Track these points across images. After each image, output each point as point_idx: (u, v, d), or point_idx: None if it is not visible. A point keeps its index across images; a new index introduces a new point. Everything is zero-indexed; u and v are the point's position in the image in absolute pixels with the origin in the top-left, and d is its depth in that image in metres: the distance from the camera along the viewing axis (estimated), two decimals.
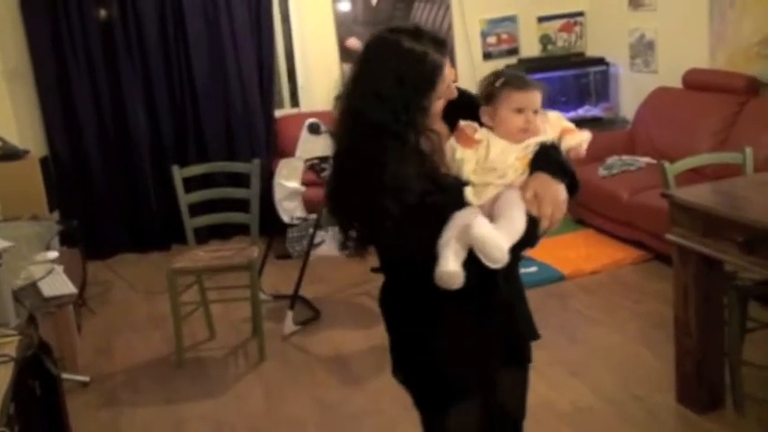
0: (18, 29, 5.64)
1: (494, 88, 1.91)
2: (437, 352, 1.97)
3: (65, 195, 5.65)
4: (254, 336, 4.29)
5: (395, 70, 1.80)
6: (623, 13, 6.32)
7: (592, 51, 6.78)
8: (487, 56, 6.71)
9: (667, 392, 3.36)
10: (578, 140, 1.95)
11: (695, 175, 4.08)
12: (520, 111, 1.88)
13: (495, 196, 1.84)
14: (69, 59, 5.70)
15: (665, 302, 3.85)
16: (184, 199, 4.27)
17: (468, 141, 1.87)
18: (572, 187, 1.90)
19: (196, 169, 4.52)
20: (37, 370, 2.56)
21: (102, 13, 5.73)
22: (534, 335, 2.15)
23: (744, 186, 3.22)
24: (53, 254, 3.48)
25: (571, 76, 6.56)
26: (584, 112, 6.57)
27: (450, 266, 1.74)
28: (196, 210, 4.35)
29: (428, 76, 1.82)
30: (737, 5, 5.19)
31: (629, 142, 5.83)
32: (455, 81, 1.94)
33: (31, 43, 5.66)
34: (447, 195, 1.82)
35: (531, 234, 1.83)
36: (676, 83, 5.65)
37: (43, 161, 5.21)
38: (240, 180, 4.78)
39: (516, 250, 1.81)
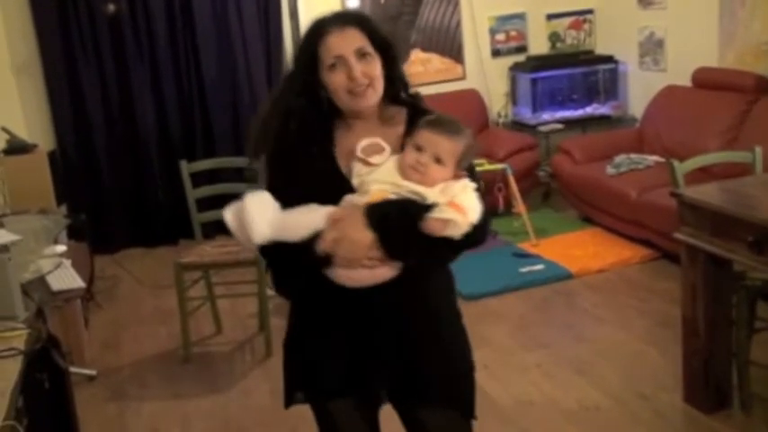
0: (27, 23, 5.65)
1: (421, 121, 1.83)
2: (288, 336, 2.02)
3: (73, 189, 5.67)
4: (260, 331, 4.30)
5: (298, 44, 1.92)
6: (633, 11, 6.30)
7: (601, 49, 6.76)
8: (496, 53, 6.70)
9: (674, 392, 3.35)
10: (448, 216, 1.72)
11: (704, 174, 4.06)
12: (418, 149, 1.77)
13: (347, 206, 1.78)
14: (78, 54, 5.72)
15: (672, 302, 3.84)
16: (192, 194, 4.28)
17: (363, 159, 1.82)
18: (395, 249, 1.75)
19: (204, 164, 4.52)
20: (45, 363, 2.57)
21: (111, 7, 5.74)
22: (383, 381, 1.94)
23: (753, 185, 3.20)
24: (61, 248, 3.48)
25: (580, 73, 6.54)
26: (592, 110, 6.56)
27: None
28: (203, 205, 4.36)
29: (308, 44, 1.84)
30: (748, 5, 5.17)
31: (637, 141, 5.81)
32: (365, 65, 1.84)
33: (40, 37, 5.67)
34: (319, 179, 1.83)
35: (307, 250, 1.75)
36: (685, 81, 5.63)
37: (51, 155, 5.22)
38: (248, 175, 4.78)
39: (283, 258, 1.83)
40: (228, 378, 3.94)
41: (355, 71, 1.80)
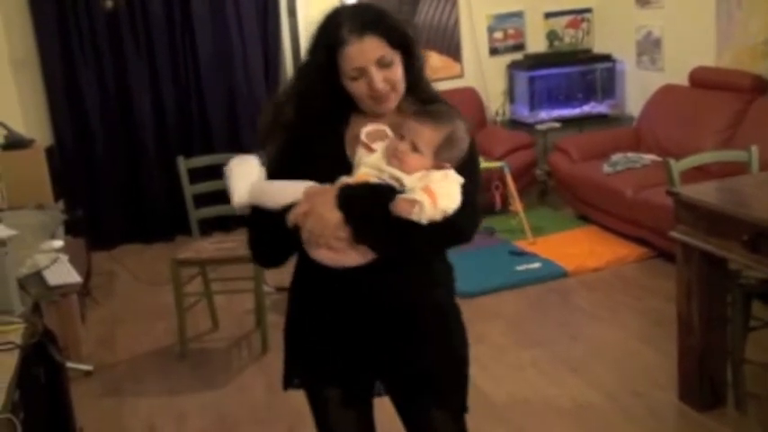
0: (25, 18, 5.65)
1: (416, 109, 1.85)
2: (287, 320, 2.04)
3: (70, 185, 5.66)
4: (257, 327, 4.30)
5: (311, 41, 1.86)
6: (630, 10, 6.31)
7: (599, 48, 6.77)
8: (494, 51, 6.71)
9: (669, 390, 3.36)
10: (416, 197, 1.72)
11: (700, 174, 4.07)
12: (401, 137, 1.78)
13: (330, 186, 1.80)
14: (75, 49, 5.72)
15: (667, 300, 3.85)
16: (189, 190, 4.28)
17: (366, 144, 1.83)
18: (360, 231, 1.75)
19: (201, 160, 4.52)
20: (41, 358, 2.57)
21: (109, 3, 5.72)
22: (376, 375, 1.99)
23: (749, 184, 3.22)
24: (58, 243, 3.48)
25: (577, 72, 6.55)
26: (589, 108, 6.56)
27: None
28: (201, 201, 4.36)
29: (327, 52, 1.80)
30: (744, 5, 5.18)
31: (634, 139, 5.82)
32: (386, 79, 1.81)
33: (38, 33, 5.67)
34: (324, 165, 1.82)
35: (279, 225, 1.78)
36: (683, 81, 5.64)
37: (49, 150, 5.21)
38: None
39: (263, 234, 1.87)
40: (225, 374, 3.95)
41: (377, 83, 1.78)
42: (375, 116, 1.87)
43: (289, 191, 1.78)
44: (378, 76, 1.78)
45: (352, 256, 1.78)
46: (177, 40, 5.91)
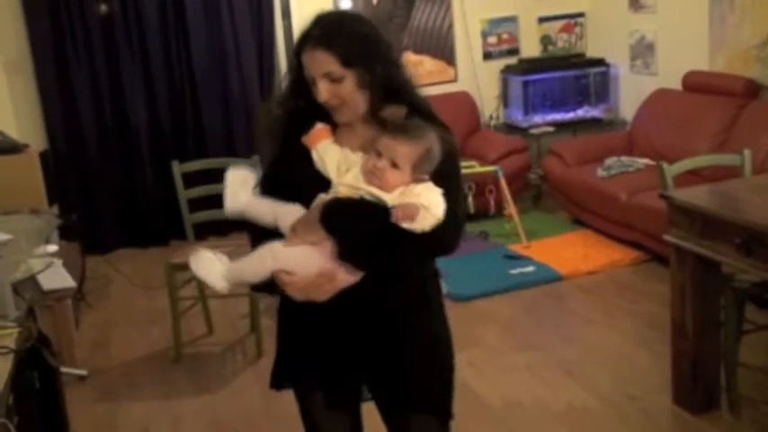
0: (19, 22, 5.64)
1: (388, 124, 1.84)
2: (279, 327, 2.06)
3: (64, 189, 5.65)
4: (252, 332, 4.30)
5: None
6: (624, 14, 6.33)
7: (592, 52, 6.79)
8: (488, 56, 6.72)
9: (663, 393, 3.37)
10: (418, 202, 1.73)
11: (694, 177, 4.09)
12: (378, 154, 1.78)
13: (316, 204, 1.81)
14: (69, 54, 5.71)
15: (661, 303, 3.86)
16: (184, 194, 4.28)
17: (308, 139, 1.88)
18: (351, 251, 1.78)
19: (195, 164, 4.51)
20: (36, 362, 2.57)
21: (103, 7, 5.73)
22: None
23: (742, 188, 3.23)
24: (52, 247, 3.47)
25: (571, 76, 6.56)
26: (583, 112, 6.58)
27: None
28: (195, 205, 4.35)
29: (294, 53, 1.88)
30: (737, 9, 5.20)
31: (627, 143, 5.84)
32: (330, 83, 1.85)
33: (32, 37, 5.66)
34: (299, 171, 1.87)
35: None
36: (676, 85, 5.66)
37: (43, 155, 5.20)
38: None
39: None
40: (219, 378, 3.94)
41: (320, 95, 1.83)
42: (346, 125, 1.90)
43: (278, 214, 1.85)
44: (323, 89, 1.82)
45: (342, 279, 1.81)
46: (171, 43, 5.91)
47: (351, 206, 1.78)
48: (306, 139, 1.87)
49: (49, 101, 5.77)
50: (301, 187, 1.85)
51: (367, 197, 1.77)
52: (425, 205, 1.73)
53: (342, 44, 1.80)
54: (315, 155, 1.86)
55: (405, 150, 1.77)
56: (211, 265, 1.90)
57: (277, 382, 2.06)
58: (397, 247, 1.76)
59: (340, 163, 1.83)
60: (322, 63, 1.80)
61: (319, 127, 1.87)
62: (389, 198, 1.76)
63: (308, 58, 1.82)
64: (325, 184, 1.84)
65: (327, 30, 1.82)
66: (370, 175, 1.78)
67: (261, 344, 4.13)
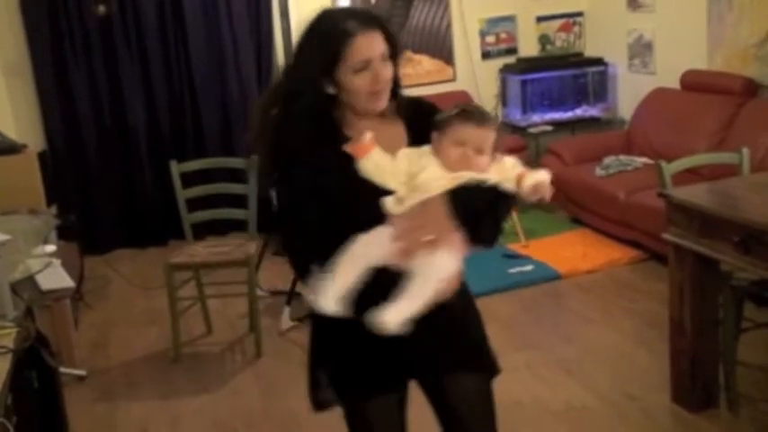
0: (17, 23, 5.64)
1: (447, 117, 1.84)
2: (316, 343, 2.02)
3: (63, 190, 5.66)
4: (250, 331, 4.30)
5: (304, 38, 1.86)
6: (622, 13, 6.33)
7: (590, 51, 6.79)
8: (486, 55, 6.72)
9: (662, 391, 3.37)
10: (535, 180, 1.83)
11: (692, 176, 4.09)
12: (460, 144, 1.81)
13: (416, 205, 1.78)
14: (68, 54, 5.71)
15: (660, 302, 3.86)
16: (182, 194, 4.28)
17: (358, 150, 1.80)
18: (476, 233, 1.83)
19: (194, 165, 4.52)
20: (34, 362, 2.57)
21: (101, 8, 5.74)
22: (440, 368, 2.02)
23: (740, 186, 3.23)
24: (51, 248, 3.47)
25: (569, 75, 6.57)
26: (581, 112, 6.58)
27: (323, 303, 1.77)
28: (194, 205, 4.36)
29: (330, 43, 1.80)
30: (735, 8, 5.21)
31: (626, 142, 5.84)
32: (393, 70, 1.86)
33: (30, 38, 5.66)
34: (339, 179, 1.82)
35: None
36: (674, 84, 5.67)
37: (41, 155, 5.20)
38: (238, 176, 4.77)
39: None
40: (218, 378, 3.94)
41: (385, 74, 1.83)
42: (359, 116, 1.88)
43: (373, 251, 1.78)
44: (383, 70, 1.82)
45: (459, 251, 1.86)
46: (169, 44, 5.90)
47: (475, 191, 1.81)
48: (353, 150, 1.80)
49: (48, 101, 5.77)
50: (351, 196, 1.82)
51: (467, 182, 1.81)
52: (539, 179, 1.83)
53: (388, 29, 1.85)
54: (366, 164, 1.80)
55: (487, 135, 1.83)
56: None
57: (323, 401, 1.99)
58: (501, 224, 1.91)
59: (411, 165, 1.83)
60: (379, 42, 1.81)
61: (369, 136, 1.81)
62: (490, 177, 1.82)
63: (365, 40, 1.79)
64: (371, 190, 1.79)
65: (376, 16, 1.86)
66: (459, 165, 1.81)
67: (260, 344, 4.14)
